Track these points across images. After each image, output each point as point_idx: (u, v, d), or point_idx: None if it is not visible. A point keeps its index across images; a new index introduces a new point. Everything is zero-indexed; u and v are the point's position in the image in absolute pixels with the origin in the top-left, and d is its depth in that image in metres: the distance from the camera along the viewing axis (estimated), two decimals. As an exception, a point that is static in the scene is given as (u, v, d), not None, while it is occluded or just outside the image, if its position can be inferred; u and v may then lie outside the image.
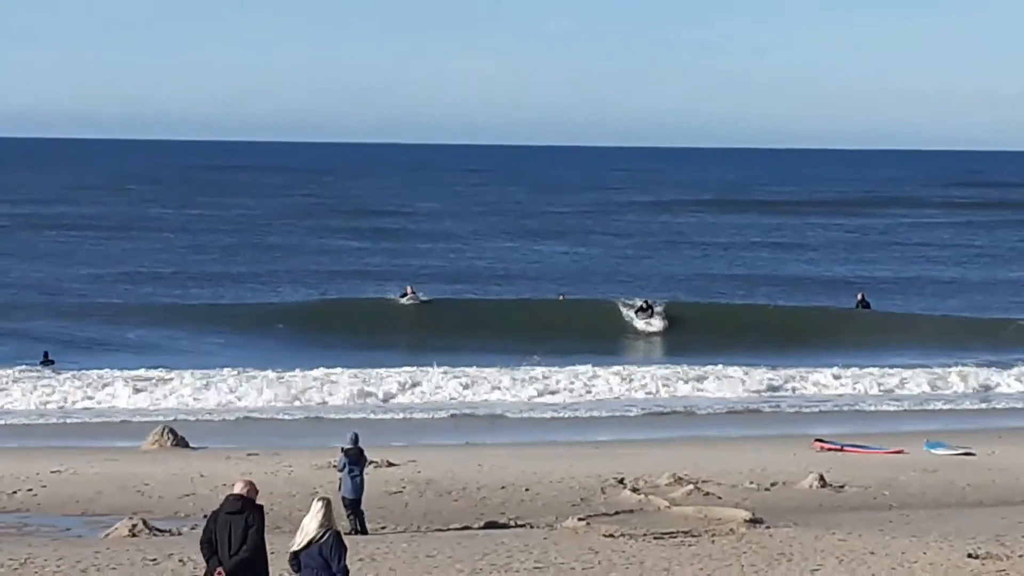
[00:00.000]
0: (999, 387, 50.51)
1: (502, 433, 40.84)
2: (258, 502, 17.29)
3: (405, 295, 66.41)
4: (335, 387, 46.54)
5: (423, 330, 61.04)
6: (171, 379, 46.47)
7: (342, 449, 26.65)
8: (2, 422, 41.62)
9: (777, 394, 48.33)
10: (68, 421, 42.08)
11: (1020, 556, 23.44)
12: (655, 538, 24.74)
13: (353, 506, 26.05)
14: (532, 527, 26.86)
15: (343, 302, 68.10)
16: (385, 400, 46.01)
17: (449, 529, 26.93)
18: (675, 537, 24.91)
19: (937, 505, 30.06)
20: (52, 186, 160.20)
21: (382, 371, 48.24)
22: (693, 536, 25.05)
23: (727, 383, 48.74)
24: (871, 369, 51.35)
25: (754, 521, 26.44)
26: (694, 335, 61.51)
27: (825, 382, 49.60)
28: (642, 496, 29.61)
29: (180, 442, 36.22)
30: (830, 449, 36.28)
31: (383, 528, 26.96)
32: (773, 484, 31.34)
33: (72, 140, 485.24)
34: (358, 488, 26.19)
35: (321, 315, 64.63)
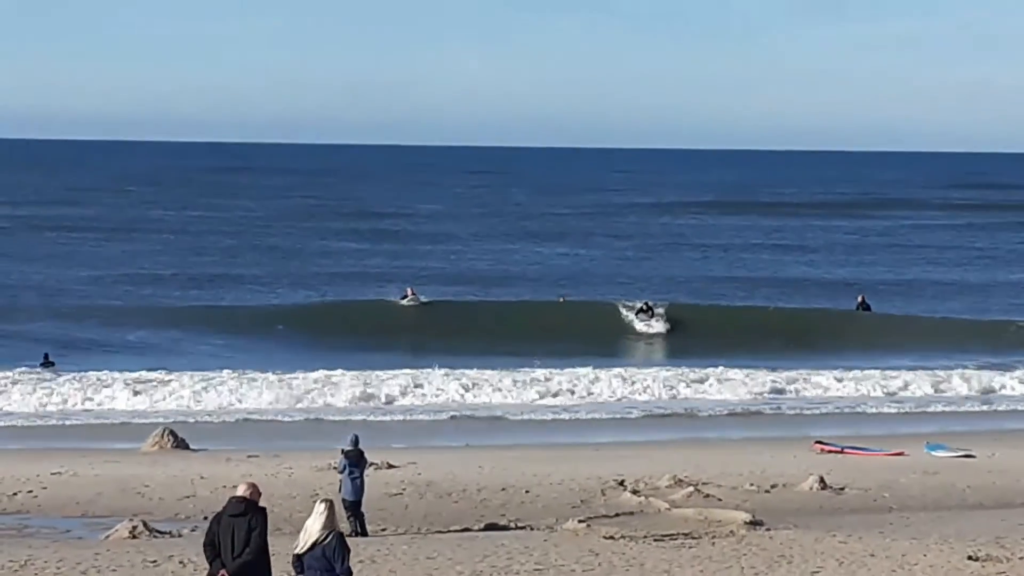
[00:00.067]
0: (1000, 389, 50.51)
1: (503, 435, 40.86)
2: (260, 504, 17.31)
3: (406, 297, 66.41)
4: (335, 389, 46.55)
5: (423, 332, 61.04)
6: (171, 381, 46.47)
7: (342, 451, 26.65)
8: (2, 424, 41.65)
9: (778, 396, 48.32)
10: (68, 423, 42.08)
11: (1020, 558, 23.44)
12: (655, 540, 24.74)
13: (353, 508, 26.04)
14: (532, 529, 26.87)
15: (344, 304, 68.08)
16: (385, 402, 46.02)
17: (449, 531, 26.93)
18: (675, 539, 24.91)
19: (937, 507, 30.06)
20: (52, 188, 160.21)
21: (382, 373, 48.25)
22: (693, 538, 25.05)
23: (728, 385, 48.73)
24: (871, 371, 51.31)
25: (754, 523, 26.44)
26: (694, 337, 61.52)
27: (826, 384, 49.58)
28: (642, 498, 29.61)
29: (180, 444, 36.23)
30: (830, 451, 36.28)
31: (383, 530, 26.97)
32: (773, 486, 31.34)
33: (72, 142, 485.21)
34: (358, 490, 26.19)
35: (321, 317, 64.64)
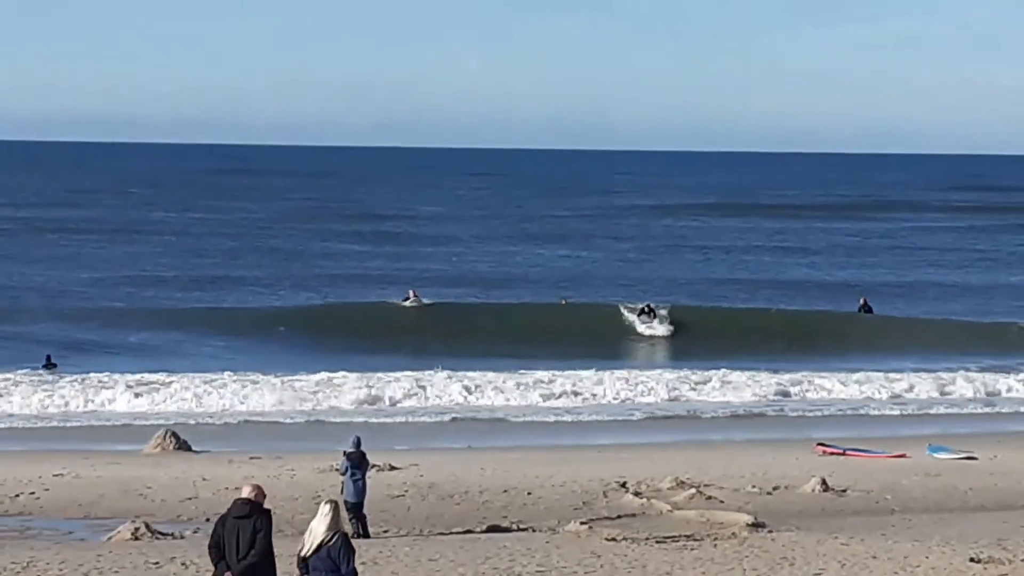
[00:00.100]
0: (1002, 391, 50.52)
1: (504, 437, 40.87)
2: (265, 506, 17.32)
3: (407, 299, 66.44)
4: (337, 391, 46.57)
5: (425, 334, 61.03)
6: (173, 382, 46.48)
7: (344, 453, 26.64)
8: (5, 425, 41.67)
9: (781, 399, 48.30)
10: (70, 425, 42.10)
11: (1022, 560, 23.44)
12: (657, 542, 24.74)
13: (355, 510, 26.04)
14: (534, 531, 26.87)
15: (345, 306, 68.09)
16: (387, 404, 46.02)
17: (451, 533, 26.93)
18: (677, 541, 24.90)
19: (939, 509, 30.06)
20: (53, 190, 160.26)
21: (384, 375, 48.25)
22: (695, 540, 25.05)
23: (730, 387, 48.73)
24: (873, 373, 51.32)
25: (756, 525, 26.42)
26: (696, 339, 61.52)
27: (828, 386, 49.58)
28: (644, 500, 29.61)
29: (182, 446, 36.26)
30: (832, 453, 36.28)
31: (385, 532, 26.98)
32: (775, 488, 31.34)
33: (72, 143, 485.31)
34: (360, 492, 26.19)
35: (323, 319, 64.64)
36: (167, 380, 46.80)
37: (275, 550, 17.47)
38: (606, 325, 63.73)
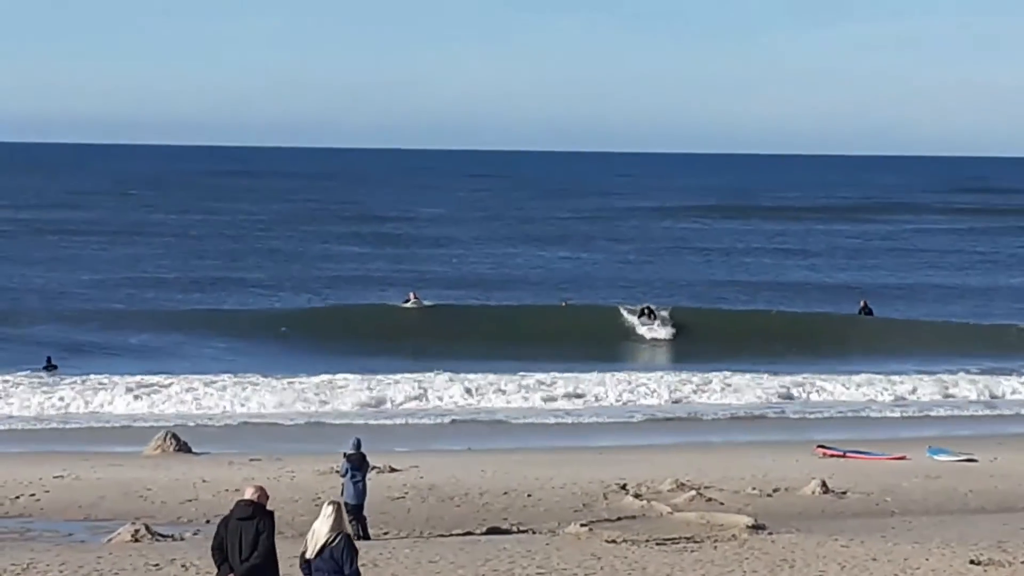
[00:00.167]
0: (1002, 393, 50.52)
1: (505, 439, 40.87)
2: (267, 507, 17.33)
3: (408, 301, 66.45)
4: (337, 392, 46.56)
5: (426, 336, 61.02)
6: (173, 384, 46.47)
7: (344, 454, 26.64)
8: (5, 427, 41.66)
9: (782, 401, 48.28)
10: (70, 426, 42.09)
11: (1022, 562, 23.45)
12: (657, 544, 24.74)
13: (355, 511, 26.02)
14: (534, 533, 26.87)
15: (346, 308, 68.09)
16: (388, 405, 46.01)
17: (451, 535, 26.93)
18: (677, 543, 24.90)
19: (939, 511, 30.06)
20: (53, 191, 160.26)
21: (385, 377, 48.23)
22: (695, 542, 25.05)
23: (730, 389, 48.72)
24: (874, 375, 51.32)
25: (756, 527, 26.42)
26: (696, 340, 61.53)
27: (829, 388, 49.57)
28: (644, 502, 29.60)
29: (182, 447, 36.25)
30: (832, 455, 36.27)
31: (385, 534, 26.98)
32: (775, 490, 31.35)
33: (72, 145, 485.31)
34: (360, 493, 26.19)
35: (324, 321, 64.62)
36: (167, 382, 46.79)
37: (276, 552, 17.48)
38: (606, 327, 63.73)
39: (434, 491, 30.68)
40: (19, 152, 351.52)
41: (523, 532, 27.09)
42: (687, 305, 70.03)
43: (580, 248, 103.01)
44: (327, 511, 16.85)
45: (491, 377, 48.72)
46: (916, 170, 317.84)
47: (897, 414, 46.72)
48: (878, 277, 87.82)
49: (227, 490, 29.59)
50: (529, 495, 30.54)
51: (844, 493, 31.32)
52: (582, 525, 26.15)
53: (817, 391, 49.35)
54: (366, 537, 25.83)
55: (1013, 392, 50.64)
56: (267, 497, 17.41)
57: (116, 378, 47.07)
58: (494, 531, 27.27)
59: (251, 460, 34.43)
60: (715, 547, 24.70)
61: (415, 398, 46.60)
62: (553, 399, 47.10)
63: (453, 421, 44.11)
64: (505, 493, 30.59)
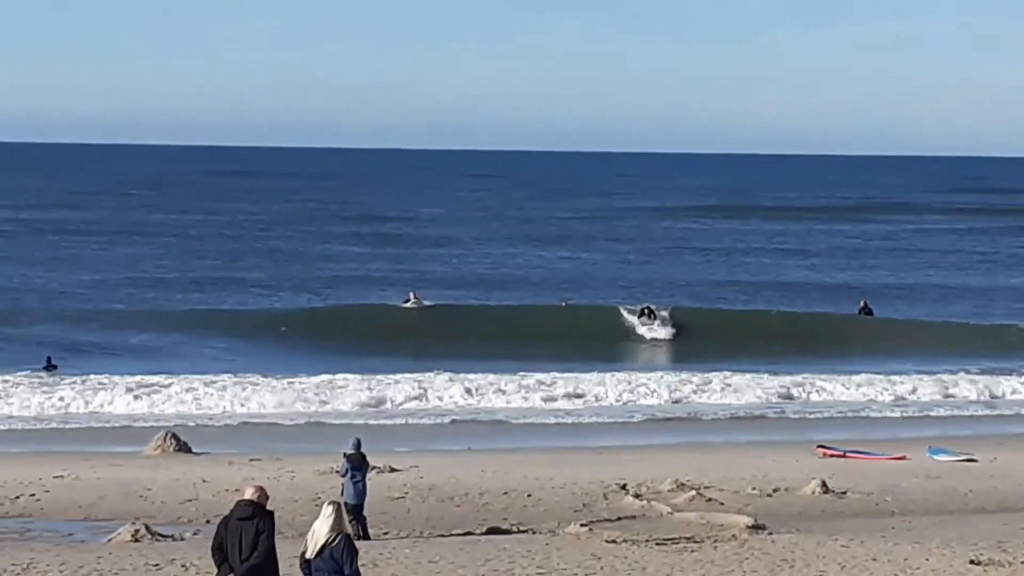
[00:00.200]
0: (1002, 393, 50.53)
1: (505, 439, 40.87)
2: (268, 507, 17.33)
3: (408, 301, 66.46)
4: (338, 392, 46.56)
5: (425, 336, 61.02)
6: (173, 384, 46.48)
7: (344, 454, 26.64)
8: (5, 427, 41.67)
9: (783, 401, 48.28)
10: (70, 426, 42.09)
11: (1022, 562, 23.45)
12: (657, 544, 24.74)
13: (355, 511, 26.02)
14: (534, 533, 26.87)
15: (345, 308, 68.09)
16: (388, 405, 46.01)
17: (451, 535, 26.92)
18: (677, 543, 24.91)
19: (939, 511, 30.06)
20: (53, 191, 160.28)
21: (385, 377, 48.24)
22: (695, 542, 25.05)
23: (730, 389, 48.72)
24: (874, 375, 51.32)
25: (756, 527, 26.42)
26: (696, 340, 61.53)
27: (829, 388, 49.57)
28: (644, 502, 29.60)
29: (182, 447, 36.25)
30: (832, 455, 36.27)
31: (385, 534, 26.98)
32: (775, 490, 31.35)
33: (72, 145, 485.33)
34: (360, 493, 26.19)
35: (324, 321, 64.62)
36: (167, 382, 46.80)
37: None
38: (606, 327, 63.73)
39: (434, 491, 30.68)
40: (19, 152, 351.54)
41: (523, 532, 27.09)
42: (687, 305, 70.05)
43: (580, 248, 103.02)
44: (327, 511, 16.85)
45: (491, 377, 48.73)
46: (916, 170, 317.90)
47: (897, 414, 46.72)
48: (878, 277, 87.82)
49: (227, 490, 29.59)
50: (529, 495, 30.54)
51: (844, 493, 31.32)
52: (582, 525, 26.15)
53: (817, 391, 49.35)
54: (366, 537, 25.83)
55: (1013, 392, 50.64)
56: (267, 497, 17.41)
57: (116, 378, 47.08)
58: (494, 531, 27.28)
59: (251, 460, 34.43)
60: (715, 547, 24.70)
61: (415, 398, 46.61)
62: (553, 399, 47.10)
63: (453, 421, 44.11)
64: (505, 493, 30.59)
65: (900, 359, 56.60)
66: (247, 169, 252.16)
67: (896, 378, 51.05)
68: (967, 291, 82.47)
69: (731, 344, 59.80)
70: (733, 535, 25.70)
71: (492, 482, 31.56)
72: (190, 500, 29.70)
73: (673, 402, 47.68)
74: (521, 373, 49.63)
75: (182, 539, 25.97)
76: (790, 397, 48.71)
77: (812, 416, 45.95)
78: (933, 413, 47.05)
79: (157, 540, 25.56)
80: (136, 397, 45.09)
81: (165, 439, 36.31)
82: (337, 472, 27.45)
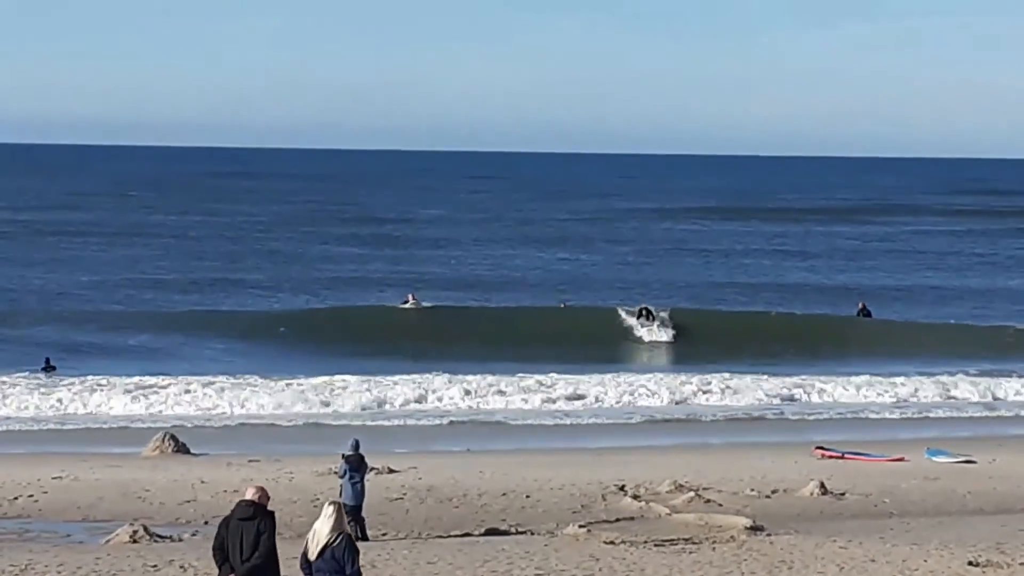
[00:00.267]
0: (1001, 395, 50.52)
1: (503, 440, 40.86)
2: (268, 508, 17.34)
3: (406, 302, 66.46)
4: (336, 394, 46.55)
5: (424, 337, 61.00)
6: (172, 385, 46.48)
7: (343, 455, 26.65)
8: (3, 428, 41.66)
9: (782, 402, 48.26)
10: (69, 427, 42.08)
11: (1021, 564, 23.45)
12: (656, 545, 24.74)
13: (354, 512, 26.02)
14: (533, 534, 26.87)
15: (345, 309, 68.08)
16: (387, 406, 46.00)
17: (450, 536, 26.93)
18: (676, 544, 24.91)
19: (938, 513, 30.07)
20: (53, 192, 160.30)
21: (383, 378, 48.25)
22: (694, 543, 25.05)
23: (730, 391, 48.71)
24: (872, 376, 51.31)
25: (755, 528, 26.44)
26: (695, 342, 61.52)
27: (828, 390, 49.56)
28: (643, 503, 29.61)
29: (181, 448, 36.25)
30: (831, 457, 36.27)
31: (384, 535, 26.98)
32: (774, 491, 31.35)
33: (72, 146, 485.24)
34: (359, 494, 26.19)
35: (323, 322, 64.60)
36: (166, 383, 46.80)
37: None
38: (605, 328, 63.71)
39: (433, 492, 30.68)
40: (19, 153, 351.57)
41: (522, 533, 27.09)
42: (686, 307, 70.04)
43: (579, 249, 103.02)
44: (328, 511, 16.85)
45: (490, 378, 48.73)
46: (916, 172, 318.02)
47: (896, 415, 46.71)
48: (877, 279, 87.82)
49: (226, 491, 29.59)
50: (528, 496, 30.54)
51: (843, 494, 31.32)
52: (581, 526, 26.15)
53: (816, 393, 49.33)
54: (364, 538, 25.83)
55: (1016, 394, 50.61)
56: (268, 498, 17.43)
57: (114, 379, 47.08)
58: (492, 532, 27.28)
59: (250, 461, 34.43)
60: (713, 548, 24.71)
61: (414, 399, 46.60)
62: (552, 400, 47.10)
63: (452, 422, 44.10)
64: (504, 494, 30.59)
65: (899, 361, 56.57)
66: (247, 170, 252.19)
67: (895, 379, 51.04)
68: (966, 293, 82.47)
69: (730, 345, 59.79)
70: (732, 536, 25.71)
71: (491, 483, 31.57)
72: (188, 501, 29.70)
73: (672, 404, 47.65)
74: (520, 374, 49.64)
75: (180, 540, 25.97)
76: (789, 399, 48.70)
77: (811, 417, 45.95)
78: (931, 415, 47.04)
79: (155, 541, 25.56)
80: (135, 398, 45.08)
81: (164, 440, 36.31)
82: (336, 473, 27.45)
